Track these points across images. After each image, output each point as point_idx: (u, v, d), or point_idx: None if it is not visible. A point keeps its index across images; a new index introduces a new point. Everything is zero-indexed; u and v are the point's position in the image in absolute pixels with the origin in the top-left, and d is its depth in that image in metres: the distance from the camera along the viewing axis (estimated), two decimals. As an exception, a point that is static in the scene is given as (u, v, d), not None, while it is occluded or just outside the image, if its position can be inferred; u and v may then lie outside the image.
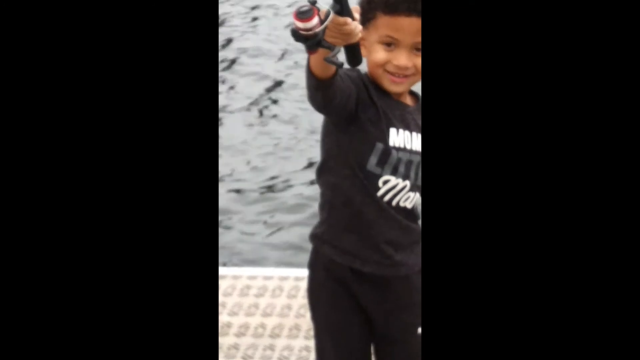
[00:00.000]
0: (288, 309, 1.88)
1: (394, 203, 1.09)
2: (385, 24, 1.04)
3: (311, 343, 1.35)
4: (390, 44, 1.05)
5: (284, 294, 1.94)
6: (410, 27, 1.02)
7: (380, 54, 1.06)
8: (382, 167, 1.07)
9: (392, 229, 1.10)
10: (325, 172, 1.12)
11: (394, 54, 1.05)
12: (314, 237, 1.15)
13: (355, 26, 0.91)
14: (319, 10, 0.87)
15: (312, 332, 1.24)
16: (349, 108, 1.03)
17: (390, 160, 1.07)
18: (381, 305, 1.13)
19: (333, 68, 0.94)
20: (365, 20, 1.04)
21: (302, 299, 1.78)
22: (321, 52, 0.90)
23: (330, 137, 1.10)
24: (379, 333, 1.15)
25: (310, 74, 0.96)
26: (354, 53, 0.99)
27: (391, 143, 1.07)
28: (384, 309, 1.13)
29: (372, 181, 1.07)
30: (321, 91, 0.98)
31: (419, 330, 1.06)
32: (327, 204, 1.13)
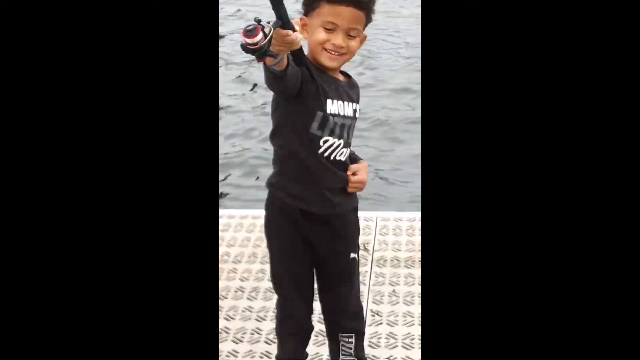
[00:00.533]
0: (247, 241, 2.46)
1: (331, 158, 1.37)
2: (327, 11, 1.30)
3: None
4: (330, 28, 1.30)
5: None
6: (347, 15, 1.29)
7: (321, 35, 1.31)
8: (322, 130, 1.34)
9: (330, 178, 1.38)
10: (277, 135, 1.40)
11: (333, 36, 1.30)
12: (270, 184, 1.44)
13: (296, 36, 1.13)
14: (263, 27, 1.06)
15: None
16: (297, 87, 1.27)
17: (328, 124, 1.34)
18: (323, 237, 1.42)
19: (285, 63, 1.16)
20: (310, 9, 1.32)
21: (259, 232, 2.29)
22: (268, 59, 1.12)
23: (280, 109, 1.37)
24: (321, 257, 1.44)
25: (269, 71, 1.20)
26: (298, 56, 1.23)
27: (328, 111, 1.33)
28: (325, 240, 1.43)
29: (314, 141, 1.34)
30: (277, 81, 1.22)
31: (352, 255, 1.43)
32: (279, 160, 1.41)
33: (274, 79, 1.22)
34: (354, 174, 1.39)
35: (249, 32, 1.06)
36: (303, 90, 1.30)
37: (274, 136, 1.42)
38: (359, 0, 1.31)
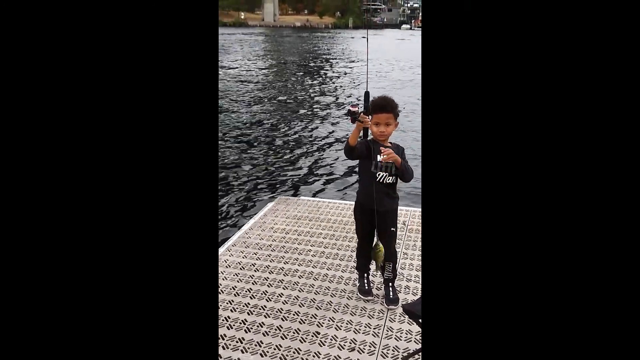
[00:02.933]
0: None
1: (383, 182, 2.72)
2: (375, 115, 2.66)
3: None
4: (377, 122, 2.67)
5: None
6: (383, 117, 2.64)
7: (374, 127, 2.69)
8: (376, 169, 2.67)
9: (382, 192, 2.73)
10: (359, 173, 2.90)
11: (378, 128, 2.67)
12: (357, 195, 2.96)
13: (367, 119, 2.61)
14: (358, 106, 2.59)
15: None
16: (363, 155, 2.70)
17: (379, 166, 2.67)
18: (383, 220, 2.77)
19: (355, 140, 2.62)
20: (369, 113, 2.68)
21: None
22: (357, 124, 2.57)
23: (359, 162, 2.82)
24: (378, 230, 2.82)
25: (347, 144, 2.63)
26: (365, 130, 2.75)
27: (378, 159, 2.66)
28: (383, 221, 2.77)
29: (374, 174, 2.70)
30: (351, 152, 2.65)
31: (392, 228, 2.79)
32: (360, 184, 2.91)
33: (347, 151, 2.64)
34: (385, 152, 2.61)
35: (353, 106, 2.59)
36: (366, 155, 2.70)
37: (358, 173, 2.92)
38: (388, 110, 2.64)
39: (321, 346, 2.45)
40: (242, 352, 2.40)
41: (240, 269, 3.26)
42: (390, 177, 2.69)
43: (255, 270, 3.24)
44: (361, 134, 2.67)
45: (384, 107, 2.61)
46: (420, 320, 2.13)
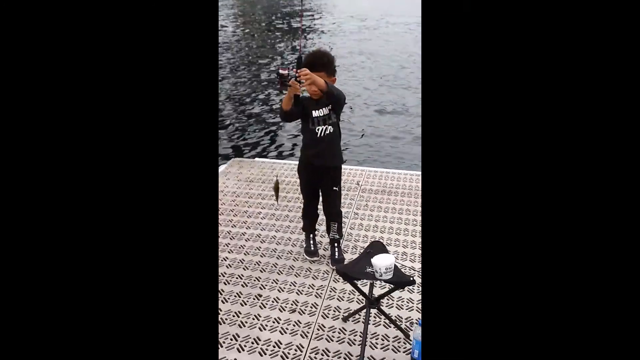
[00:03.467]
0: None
1: (322, 135, 2.61)
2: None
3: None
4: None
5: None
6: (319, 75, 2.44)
7: (307, 86, 2.40)
8: (314, 125, 2.61)
9: (323, 148, 2.64)
10: (301, 131, 2.74)
11: (311, 86, 2.41)
12: (301, 150, 2.84)
13: (298, 86, 2.38)
14: (288, 69, 2.38)
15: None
16: (299, 115, 2.62)
17: (316, 121, 2.60)
18: (322, 178, 2.73)
19: (291, 105, 2.50)
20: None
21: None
22: (290, 88, 2.40)
23: (301, 121, 2.68)
24: (322, 188, 2.79)
25: (281, 109, 2.56)
26: (296, 97, 2.48)
27: (314, 115, 2.60)
28: (323, 179, 2.73)
29: (313, 130, 2.61)
30: (286, 116, 2.58)
31: (334, 187, 2.72)
32: (302, 141, 2.77)
33: (282, 116, 2.59)
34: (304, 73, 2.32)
35: (283, 68, 2.38)
36: (302, 112, 2.61)
37: (301, 131, 2.77)
38: (317, 68, 2.45)
39: (262, 309, 2.41)
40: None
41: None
42: (329, 127, 2.58)
43: (201, 235, 3.15)
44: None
45: (313, 65, 2.46)
46: (354, 282, 2.10)
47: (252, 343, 2.19)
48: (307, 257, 2.86)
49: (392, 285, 2.05)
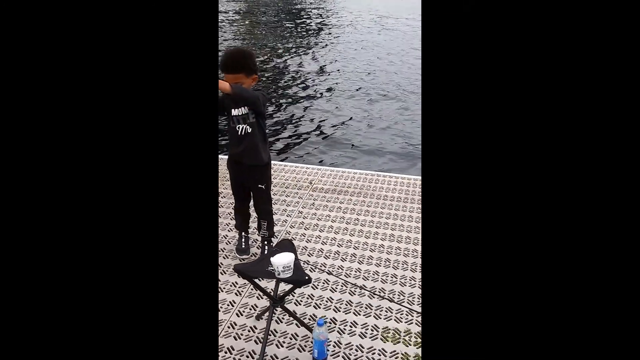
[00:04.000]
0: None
1: (242, 134, 2.58)
2: (225, 76, 2.49)
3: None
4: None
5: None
6: (230, 77, 2.45)
7: (227, 85, 2.34)
8: (235, 123, 2.59)
9: (246, 146, 2.60)
10: (227, 129, 2.68)
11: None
12: (228, 146, 2.74)
13: (227, 86, 2.34)
14: None
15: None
16: (221, 114, 2.68)
17: (236, 119, 2.58)
18: (249, 176, 2.71)
19: (226, 108, 2.59)
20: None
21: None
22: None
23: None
24: (248, 187, 2.76)
25: None
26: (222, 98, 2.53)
27: (233, 113, 2.58)
28: (249, 177, 2.72)
29: (234, 128, 2.60)
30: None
31: (260, 185, 2.71)
32: (229, 138, 2.69)
33: None
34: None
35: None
36: (222, 111, 2.63)
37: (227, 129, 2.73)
38: (231, 70, 2.46)
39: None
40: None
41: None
42: (248, 127, 2.56)
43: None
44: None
45: (228, 67, 2.45)
46: (254, 280, 2.07)
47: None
48: (238, 255, 2.84)
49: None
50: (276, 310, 2.19)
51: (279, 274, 1.96)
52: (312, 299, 2.45)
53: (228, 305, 2.41)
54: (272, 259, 1.97)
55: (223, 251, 2.90)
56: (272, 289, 2.16)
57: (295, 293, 2.47)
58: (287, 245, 2.17)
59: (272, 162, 4.40)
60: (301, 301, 2.44)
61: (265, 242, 2.83)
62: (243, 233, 2.91)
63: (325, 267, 2.75)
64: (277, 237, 3.03)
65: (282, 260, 1.96)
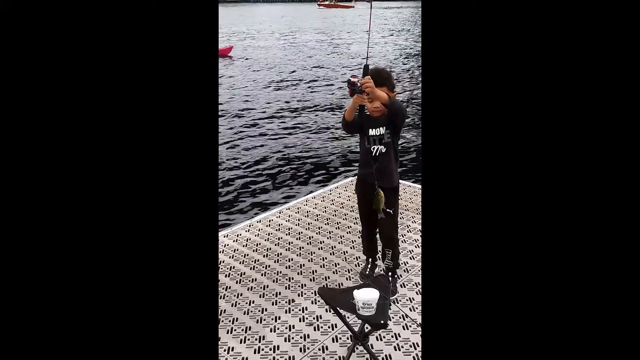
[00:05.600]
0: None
1: (376, 155, 2.55)
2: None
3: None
4: (370, 99, 2.41)
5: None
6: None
7: (367, 103, 2.43)
8: (369, 143, 2.56)
9: (377, 165, 2.54)
10: (359, 148, 2.68)
11: (372, 103, 2.45)
12: (358, 168, 2.76)
13: (364, 97, 2.36)
14: (358, 77, 2.35)
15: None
16: (356, 130, 2.62)
17: (372, 140, 2.55)
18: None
19: (353, 116, 2.50)
20: (361, 91, 2.38)
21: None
22: (355, 98, 2.36)
23: (359, 138, 2.67)
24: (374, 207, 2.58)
25: (343, 118, 2.54)
26: (361, 107, 2.45)
27: (370, 134, 2.55)
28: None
29: (368, 148, 2.56)
30: (347, 127, 2.58)
31: (389, 210, 2.53)
32: (360, 158, 2.69)
33: (344, 125, 2.58)
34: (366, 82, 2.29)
35: (354, 76, 2.36)
36: (359, 129, 2.61)
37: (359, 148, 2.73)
38: (379, 83, 2.37)
39: (258, 323, 2.50)
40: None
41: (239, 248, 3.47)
42: (383, 147, 2.51)
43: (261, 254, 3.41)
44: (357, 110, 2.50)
45: (375, 79, 2.36)
46: (337, 310, 2.00)
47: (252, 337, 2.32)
48: (360, 280, 2.79)
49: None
50: (357, 348, 2.08)
51: (358, 310, 1.86)
52: (397, 339, 2.23)
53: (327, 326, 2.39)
54: (355, 292, 1.88)
55: (349, 272, 2.89)
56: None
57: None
58: (381, 282, 2.03)
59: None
60: (383, 337, 2.24)
61: (390, 273, 2.70)
62: (369, 259, 2.85)
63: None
64: (407, 272, 2.86)
65: (364, 296, 1.85)
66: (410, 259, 3.03)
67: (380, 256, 2.80)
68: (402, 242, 2.88)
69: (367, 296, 1.84)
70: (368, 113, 2.48)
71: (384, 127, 2.50)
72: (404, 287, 2.72)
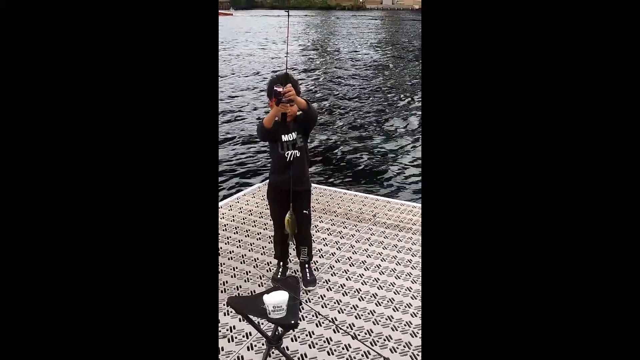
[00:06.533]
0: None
1: (291, 159, 2.57)
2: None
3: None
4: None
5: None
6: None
7: (303, 101, 2.45)
8: (283, 148, 2.55)
9: (294, 170, 2.58)
10: (270, 154, 2.68)
11: (293, 106, 2.45)
12: (269, 177, 2.77)
13: (290, 105, 2.41)
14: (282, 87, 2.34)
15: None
16: (271, 137, 2.59)
17: (285, 145, 2.55)
18: (292, 202, 2.59)
19: (272, 123, 2.48)
20: (270, 94, 2.49)
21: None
22: (280, 106, 2.37)
23: (269, 144, 2.68)
24: (294, 213, 2.62)
25: (262, 126, 2.50)
26: (283, 115, 2.45)
27: (283, 139, 2.55)
28: (293, 204, 2.59)
29: (282, 154, 2.55)
30: (266, 134, 2.54)
31: (305, 211, 2.68)
32: (271, 164, 2.72)
33: (262, 133, 2.53)
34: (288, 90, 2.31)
35: (278, 85, 2.34)
36: (272, 136, 2.58)
37: (270, 153, 2.72)
38: (293, 86, 2.37)
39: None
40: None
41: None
42: (297, 152, 2.58)
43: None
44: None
45: (285, 78, 2.45)
46: (248, 317, 1.99)
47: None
48: (272, 284, 2.80)
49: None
50: (272, 352, 2.09)
51: (269, 314, 1.86)
52: (311, 337, 2.29)
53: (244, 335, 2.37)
54: (264, 297, 1.88)
55: (260, 278, 2.89)
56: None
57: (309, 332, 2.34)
58: (290, 284, 2.06)
59: (343, 190, 4.34)
60: (298, 337, 2.29)
61: (306, 266, 2.80)
62: (281, 263, 2.87)
63: (350, 309, 2.55)
64: (317, 270, 2.93)
65: (273, 300, 1.86)
66: (320, 257, 3.10)
67: (296, 254, 2.87)
68: (313, 241, 2.94)
69: (276, 299, 1.85)
70: (288, 120, 2.51)
71: (296, 132, 2.56)
72: (316, 284, 2.78)
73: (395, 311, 2.54)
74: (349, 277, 2.88)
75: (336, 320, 2.43)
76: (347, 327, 2.38)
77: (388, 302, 2.62)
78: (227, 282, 2.85)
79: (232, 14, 53.92)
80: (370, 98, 11.53)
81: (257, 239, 3.39)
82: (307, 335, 2.32)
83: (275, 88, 2.32)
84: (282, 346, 2.05)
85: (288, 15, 2.63)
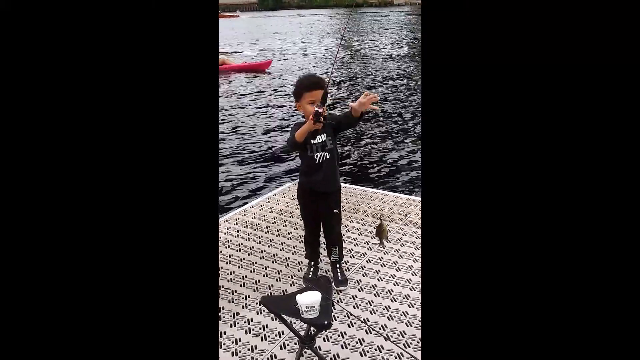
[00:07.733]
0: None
1: (321, 161, 2.56)
2: (310, 93, 2.47)
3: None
4: (312, 102, 2.46)
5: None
6: (318, 94, 2.44)
7: (309, 107, 2.48)
8: (312, 151, 2.55)
9: (324, 171, 2.57)
10: (300, 158, 2.69)
11: (314, 106, 2.44)
12: (299, 178, 2.78)
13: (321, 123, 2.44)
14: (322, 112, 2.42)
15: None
16: (299, 149, 2.62)
17: (314, 148, 2.54)
18: (323, 202, 2.66)
19: (305, 137, 2.48)
20: (298, 96, 2.52)
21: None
22: (313, 124, 2.40)
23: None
24: (322, 212, 2.72)
25: (295, 140, 2.46)
26: (314, 132, 2.53)
27: (313, 141, 2.54)
28: (324, 204, 2.67)
29: (312, 157, 2.56)
30: (297, 147, 2.53)
31: (335, 210, 2.67)
32: (301, 167, 2.72)
33: (293, 146, 2.52)
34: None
35: (319, 106, 2.41)
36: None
37: (300, 157, 2.72)
38: (322, 85, 2.47)
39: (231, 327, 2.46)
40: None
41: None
42: (327, 154, 2.56)
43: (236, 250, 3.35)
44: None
45: (318, 82, 2.46)
46: (281, 316, 2.00)
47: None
48: (303, 284, 2.80)
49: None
50: (305, 352, 2.09)
51: (302, 313, 1.87)
52: (343, 337, 2.28)
53: (277, 334, 2.38)
54: (297, 297, 1.89)
55: (292, 277, 2.90)
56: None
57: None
58: (322, 284, 2.06)
59: (373, 190, 4.31)
60: (330, 337, 2.28)
61: (337, 265, 2.80)
62: (312, 263, 2.88)
63: (382, 310, 2.53)
64: (348, 270, 2.92)
65: (307, 300, 1.86)
66: (351, 257, 3.09)
67: (327, 254, 2.87)
68: (343, 240, 2.94)
69: (309, 299, 1.86)
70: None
71: (325, 134, 2.55)
72: (347, 284, 2.77)
73: (428, 313, 2.50)
74: (380, 277, 2.86)
75: (368, 320, 2.42)
76: (380, 328, 2.36)
77: (420, 303, 2.59)
78: (259, 281, 2.88)
79: (238, 16, 54.01)
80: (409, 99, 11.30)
81: (288, 239, 3.41)
82: (339, 336, 2.32)
83: (316, 109, 2.37)
84: (314, 346, 2.05)
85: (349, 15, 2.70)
